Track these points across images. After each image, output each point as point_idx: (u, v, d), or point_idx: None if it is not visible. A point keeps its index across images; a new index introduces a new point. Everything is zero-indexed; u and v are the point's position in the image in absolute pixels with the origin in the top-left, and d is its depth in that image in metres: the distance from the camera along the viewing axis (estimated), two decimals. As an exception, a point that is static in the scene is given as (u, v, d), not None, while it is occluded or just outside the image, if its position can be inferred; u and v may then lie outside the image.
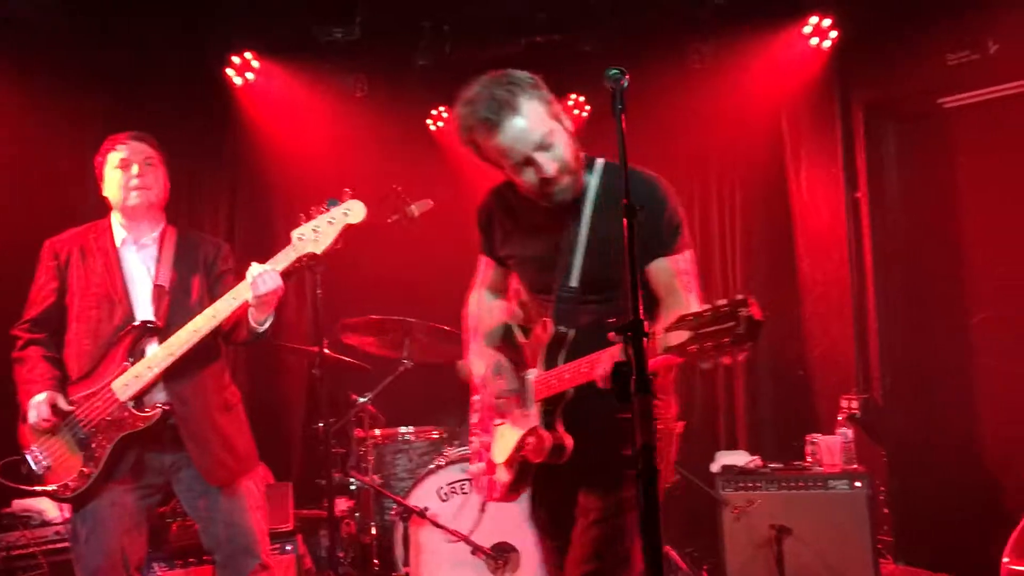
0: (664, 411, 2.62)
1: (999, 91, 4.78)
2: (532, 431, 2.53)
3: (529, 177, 2.50)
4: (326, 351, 4.64)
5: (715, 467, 4.72)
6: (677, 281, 2.50)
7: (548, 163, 2.46)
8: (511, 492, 2.70)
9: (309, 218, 3.11)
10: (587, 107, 6.45)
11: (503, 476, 2.69)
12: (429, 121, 6.45)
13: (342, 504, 4.95)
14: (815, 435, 4.76)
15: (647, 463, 1.62)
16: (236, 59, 5.55)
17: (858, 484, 4.47)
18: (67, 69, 5.07)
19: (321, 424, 4.57)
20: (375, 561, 4.71)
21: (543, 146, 2.46)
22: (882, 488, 4.95)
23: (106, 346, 3.20)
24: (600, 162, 2.63)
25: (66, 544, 3.81)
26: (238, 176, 5.91)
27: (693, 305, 2.30)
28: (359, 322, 4.86)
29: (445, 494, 4.34)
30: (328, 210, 3.09)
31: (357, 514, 4.96)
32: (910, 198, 5.32)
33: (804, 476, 4.54)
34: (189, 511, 3.36)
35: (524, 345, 2.68)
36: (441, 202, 4.94)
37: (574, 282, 2.55)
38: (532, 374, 2.57)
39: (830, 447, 4.67)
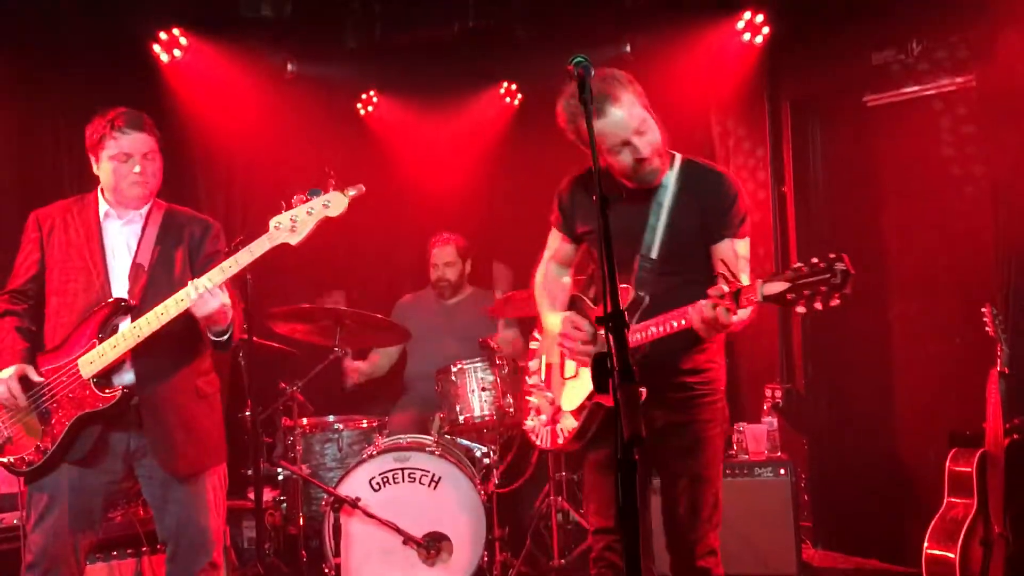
0: (718, 385, 3.04)
1: (921, 91, 4.92)
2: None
3: (625, 158, 2.87)
4: (253, 339, 4.53)
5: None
6: (739, 263, 2.90)
7: (644, 146, 2.85)
8: (576, 439, 3.04)
9: (289, 206, 2.98)
10: (519, 95, 6.44)
11: (570, 423, 3.05)
12: (359, 105, 6.35)
13: (268, 494, 4.84)
14: (741, 424, 4.85)
15: (627, 455, 1.60)
16: (163, 35, 5.36)
17: (782, 471, 4.58)
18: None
19: (247, 412, 4.48)
20: (303, 552, 4.63)
21: (639, 131, 2.84)
22: (803, 475, 5.08)
23: (79, 320, 3.09)
24: (679, 156, 3.03)
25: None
26: (165, 154, 5.70)
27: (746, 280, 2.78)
28: (288, 311, 4.76)
29: (377, 483, 4.29)
30: (309, 199, 2.96)
31: (284, 505, 4.87)
32: (834, 192, 5.45)
33: (730, 464, 4.62)
34: (147, 498, 3.26)
35: (594, 311, 3.05)
36: (370, 187, 4.87)
37: (654, 255, 2.94)
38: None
39: (756, 435, 4.77)
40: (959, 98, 4.82)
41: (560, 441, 3.10)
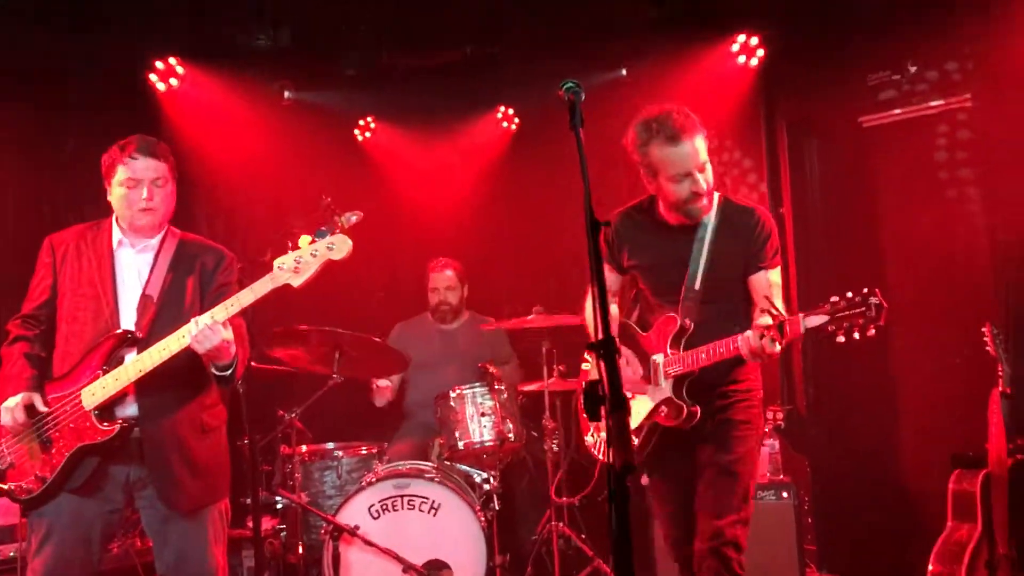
0: (756, 394, 3.29)
1: (916, 111, 4.93)
2: (666, 401, 3.19)
3: (683, 189, 3.11)
4: (252, 364, 4.50)
5: (645, 480, 4.73)
6: (772, 291, 3.15)
7: (702, 181, 3.10)
8: (638, 454, 3.31)
9: (295, 246, 2.97)
10: (516, 120, 6.46)
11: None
12: (356, 131, 6.37)
13: (267, 523, 4.80)
14: (742, 447, 4.81)
15: (620, 485, 1.59)
16: (160, 64, 5.38)
17: (785, 495, 4.53)
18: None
19: (246, 440, 4.44)
20: (302, 581, 4.59)
21: (702, 168, 3.10)
22: (806, 498, 5.04)
23: (87, 350, 3.08)
24: (717, 195, 3.27)
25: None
26: (165, 182, 5.72)
27: (784, 313, 3.04)
28: (287, 332, 4.73)
29: (376, 511, 4.26)
30: (314, 241, 2.96)
31: (283, 533, 4.82)
32: (831, 213, 5.45)
33: (733, 487, 4.57)
34: (148, 531, 3.23)
35: (644, 337, 3.34)
36: (368, 213, 4.87)
37: (697, 285, 3.19)
38: (660, 357, 3.23)
39: (758, 458, 4.73)
40: (955, 118, 4.84)
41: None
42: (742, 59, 5.42)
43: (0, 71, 4.97)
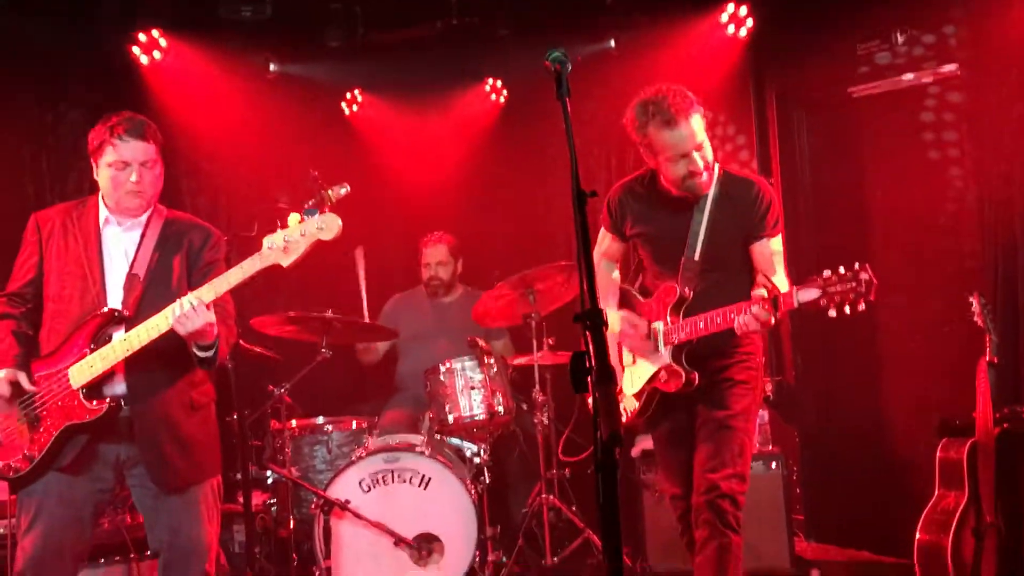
0: (756, 358, 3.37)
1: (906, 81, 4.91)
2: (666, 367, 3.28)
3: (679, 169, 3.20)
4: (240, 342, 4.49)
5: (635, 451, 4.76)
6: (774, 259, 3.27)
7: (699, 161, 3.18)
8: (638, 416, 3.44)
9: (284, 224, 2.92)
10: (504, 92, 6.41)
11: (632, 404, 3.45)
12: (343, 104, 6.31)
13: (258, 498, 4.81)
14: (732, 418, 4.83)
15: (608, 456, 1.58)
16: (142, 37, 5.31)
17: (774, 465, 4.56)
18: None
19: (235, 416, 4.44)
20: (293, 555, 4.60)
21: (698, 147, 3.17)
22: (795, 468, 5.08)
23: (73, 328, 3.05)
24: (717, 166, 3.33)
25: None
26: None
27: (784, 279, 3.21)
28: (275, 319, 4.72)
29: (367, 485, 4.26)
30: (304, 220, 2.91)
31: (274, 508, 4.83)
32: (820, 183, 5.45)
33: (722, 458, 4.60)
34: (139, 508, 3.22)
35: (643, 304, 3.44)
36: (356, 186, 4.85)
37: (697, 256, 3.27)
38: (660, 325, 3.31)
39: (747, 429, 4.75)
40: (944, 88, 4.82)
41: (624, 419, 3.49)
42: (731, 29, 5.39)
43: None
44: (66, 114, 5.33)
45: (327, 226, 2.91)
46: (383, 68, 6.08)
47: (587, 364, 1.74)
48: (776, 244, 3.31)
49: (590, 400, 3.39)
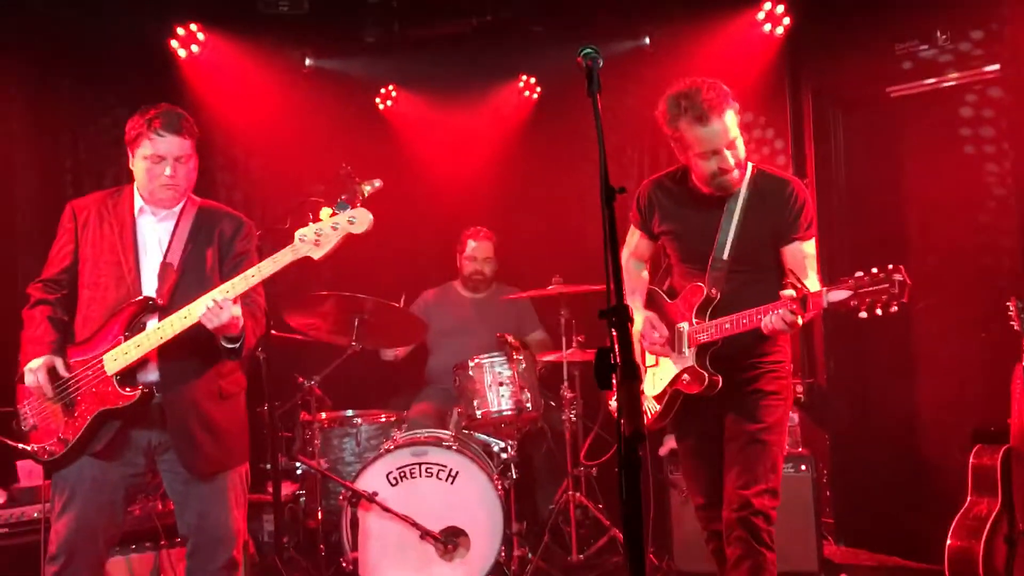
0: (786, 366, 3.30)
1: (945, 82, 4.84)
2: (689, 369, 3.22)
3: (710, 166, 3.13)
4: (272, 332, 4.54)
5: (663, 450, 4.74)
6: (808, 261, 3.18)
7: (730, 158, 3.12)
8: (659, 419, 3.38)
9: (316, 218, 2.98)
10: (538, 88, 6.41)
11: (653, 407, 3.38)
12: (378, 100, 6.34)
13: (287, 488, 4.85)
14: (762, 419, 4.80)
15: (631, 452, 1.58)
16: (181, 31, 5.38)
17: (803, 467, 4.52)
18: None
19: (266, 407, 4.48)
20: (321, 546, 4.64)
21: (730, 145, 3.11)
22: (825, 471, 5.03)
23: (108, 316, 3.11)
24: (751, 165, 3.26)
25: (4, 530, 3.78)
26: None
27: (816, 283, 3.11)
28: (306, 298, 4.76)
29: (395, 478, 4.29)
30: (335, 213, 2.96)
31: (302, 499, 4.88)
32: (856, 184, 5.38)
33: (751, 459, 4.57)
34: (169, 494, 3.28)
35: (670, 305, 3.37)
36: (389, 182, 4.88)
37: (725, 255, 3.21)
38: (685, 326, 3.25)
39: (776, 431, 4.71)
40: (984, 89, 4.74)
41: (645, 421, 3.34)
42: (767, 27, 5.33)
43: (22, 39, 5.00)
44: (105, 105, 5.42)
45: (359, 220, 2.96)
46: (418, 64, 6.10)
47: (612, 360, 1.74)
48: (809, 247, 3.24)
49: (612, 398, 3.44)
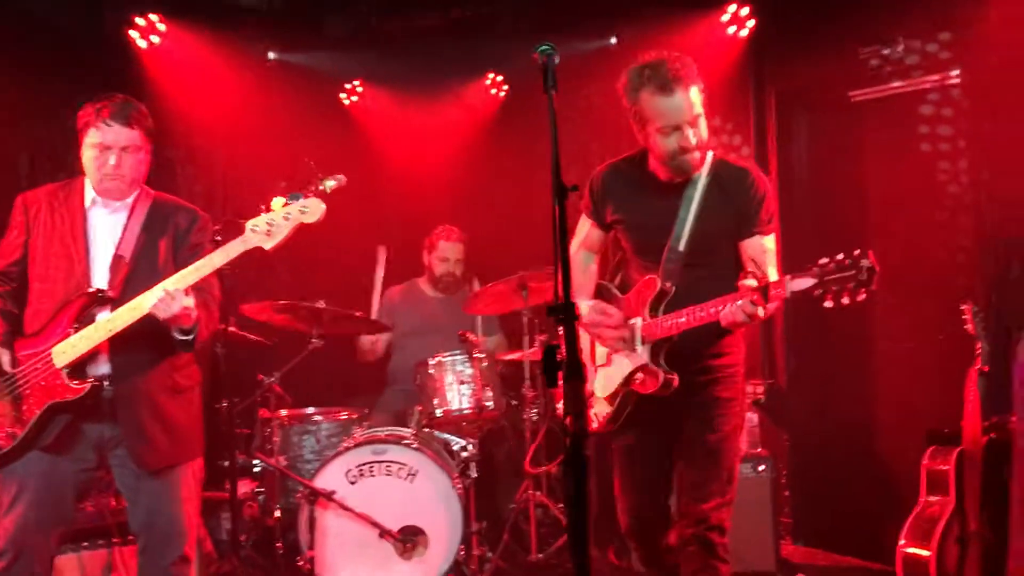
0: (739, 368, 3.17)
1: (907, 86, 4.89)
2: (642, 367, 3.03)
3: (670, 142, 2.96)
4: (231, 328, 4.49)
5: (624, 449, 4.74)
6: (767, 256, 3.02)
7: (692, 137, 2.95)
8: (610, 423, 3.17)
9: (268, 208, 2.96)
10: (505, 86, 6.40)
11: (604, 408, 3.18)
12: (343, 95, 6.30)
13: (244, 486, 4.81)
14: (722, 419, 4.82)
15: (576, 451, 1.57)
16: (140, 20, 5.29)
17: (762, 468, 4.56)
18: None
19: (225, 403, 4.43)
20: (279, 544, 4.60)
21: (693, 122, 2.95)
22: (784, 471, 5.07)
23: (58, 308, 3.07)
24: (711, 153, 3.10)
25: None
26: (143, 142, 5.67)
27: (774, 276, 2.91)
28: (265, 306, 4.71)
29: (354, 476, 4.26)
30: (288, 203, 2.94)
31: (261, 496, 4.83)
32: (818, 185, 5.42)
33: (710, 460, 4.59)
34: (121, 489, 3.25)
35: (622, 299, 3.19)
36: (353, 177, 4.85)
37: (681, 247, 3.03)
38: (638, 321, 3.06)
39: (736, 431, 4.74)
40: (945, 94, 4.79)
41: (595, 425, 3.23)
42: (732, 29, 5.37)
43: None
44: (62, 96, 5.31)
45: (311, 210, 2.95)
46: (384, 59, 6.07)
47: (559, 358, 1.73)
48: (769, 242, 3.08)
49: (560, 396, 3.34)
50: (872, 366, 5.14)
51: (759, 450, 4.71)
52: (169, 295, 2.93)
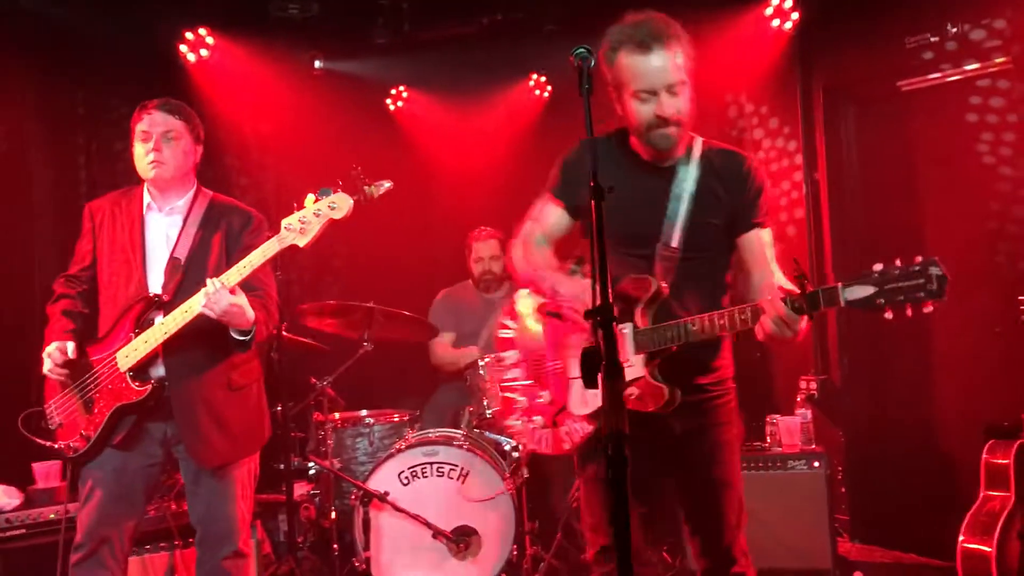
0: (731, 384, 2.82)
1: (955, 74, 4.81)
2: (640, 383, 2.57)
3: (646, 109, 2.61)
4: (284, 333, 4.57)
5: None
6: (768, 251, 2.70)
7: (669, 106, 2.59)
8: (585, 444, 2.74)
9: (300, 206, 3.01)
10: (548, 87, 6.41)
11: (585, 427, 2.71)
12: (388, 101, 6.37)
13: (301, 488, 4.89)
14: (774, 416, 4.79)
15: (617, 451, 1.58)
16: (190, 35, 5.42)
17: (816, 464, 4.50)
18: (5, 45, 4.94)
19: (279, 407, 4.51)
20: (335, 546, 4.66)
21: (672, 90, 2.59)
22: (839, 468, 5.01)
23: (121, 314, 3.20)
24: (700, 140, 2.78)
25: (15, 532, 3.86)
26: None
27: (779, 274, 2.62)
28: (318, 307, 4.79)
29: (406, 478, 4.30)
30: (318, 200, 2.99)
31: (316, 499, 4.91)
32: (868, 179, 5.36)
33: (763, 457, 4.56)
34: (184, 480, 3.37)
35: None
36: (400, 183, 4.90)
37: (674, 243, 2.67)
38: (629, 328, 2.61)
39: (789, 428, 4.70)
40: (996, 81, 4.70)
41: (567, 446, 2.79)
42: (776, 23, 5.32)
43: (33, 44, 5.05)
44: (115, 109, 5.47)
45: (339, 205, 2.99)
46: (428, 65, 6.13)
47: (599, 359, 1.74)
48: (768, 236, 2.75)
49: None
50: (928, 360, 5.06)
51: (813, 446, 4.66)
52: (214, 295, 3.00)
